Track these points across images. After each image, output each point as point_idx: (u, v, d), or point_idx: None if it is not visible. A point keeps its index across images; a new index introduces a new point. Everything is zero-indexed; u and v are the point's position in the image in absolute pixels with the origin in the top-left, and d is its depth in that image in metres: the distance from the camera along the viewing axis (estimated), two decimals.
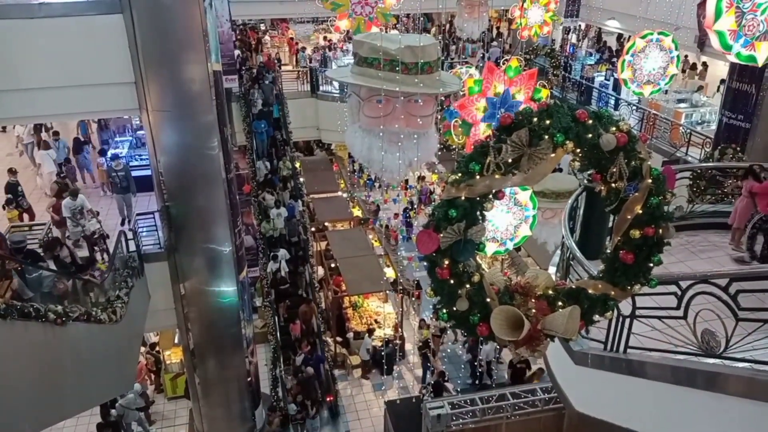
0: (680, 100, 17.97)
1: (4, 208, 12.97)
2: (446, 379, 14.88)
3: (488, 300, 4.31)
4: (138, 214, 12.64)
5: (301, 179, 20.51)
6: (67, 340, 7.54)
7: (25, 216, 13.14)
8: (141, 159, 15.99)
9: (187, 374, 14.48)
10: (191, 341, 13.25)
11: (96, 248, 12.06)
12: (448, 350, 16.41)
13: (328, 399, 14.81)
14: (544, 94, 8.32)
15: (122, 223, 13.16)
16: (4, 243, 8.19)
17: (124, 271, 10.94)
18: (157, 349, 16.33)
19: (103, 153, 15.86)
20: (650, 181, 4.14)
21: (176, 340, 15.35)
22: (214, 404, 13.93)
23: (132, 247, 11.80)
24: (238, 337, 13.39)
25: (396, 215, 22.66)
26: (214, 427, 14.14)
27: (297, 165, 20.62)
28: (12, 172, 13.47)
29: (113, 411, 13.84)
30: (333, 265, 18.84)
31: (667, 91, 14.66)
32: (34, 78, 10.19)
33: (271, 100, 20.49)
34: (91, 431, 13.68)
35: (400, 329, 17.26)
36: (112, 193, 13.78)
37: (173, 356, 15.82)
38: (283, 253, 17.21)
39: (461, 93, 8.65)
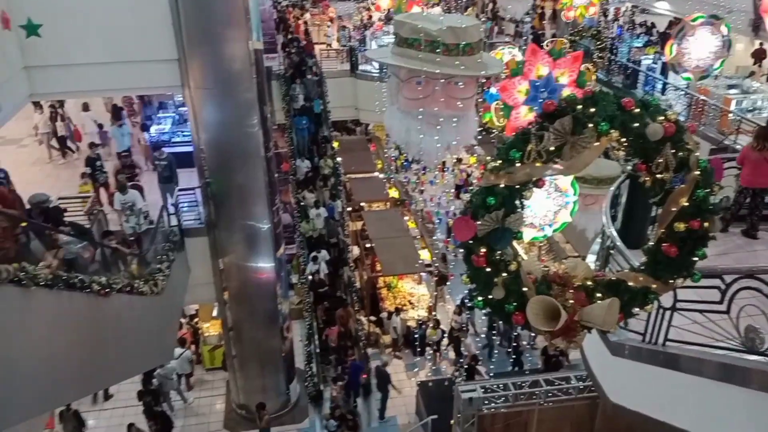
0: (730, 86, 17.27)
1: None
2: (478, 362, 14.89)
3: (525, 289, 4.26)
4: (179, 190, 12.90)
5: (340, 168, 19.78)
6: (110, 310, 7.81)
7: (102, 191, 13.27)
8: (183, 135, 16.25)
9: (224, 347, 14.86)
10: (229, 315, 13.58)
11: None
12: (482, 335, 16.36)
13: (362, 377, 14.99)
14: (589, 76, 8.10)
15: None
16: (18, 202, 7.80)
17: (165, 244, 11.21)
18: (196, 320, 16.73)
19: (145, 128, 16.15)
20: (697, 172, 4.01)
21: (214, 314, 15.71)
22: (250, 377, 14.29)
23: (173, 221, 12.08)
24: (274, 313, 13.66)
25: (432, 198, 22.56)
26: (249, 399, 14.50)
27: (338, 162, 19.80)
28: (93, 145, 13.92)
29: (154, 380, 14.32)
30: (368, 246, 18.92)
31: (717, 76, 14.10)
32: (81, 54, 10.45)
33: (313, 94, 19.68)
34: (132, 398, 14.19)
35: (433, 311, 17.29)
36: (153, 168, 13.88)
37: (211, 329, 16.21)
38: (323, 254, 16.84)
39: (503, 75, 8.50)
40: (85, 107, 15.87)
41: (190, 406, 15.05)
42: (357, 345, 15.56)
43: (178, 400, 15.02)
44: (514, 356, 15.74)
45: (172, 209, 12.20)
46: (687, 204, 4.08)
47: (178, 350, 14.33)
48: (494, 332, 16.20)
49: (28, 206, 8.06)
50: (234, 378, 14.52)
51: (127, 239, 10.94)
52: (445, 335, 16.30)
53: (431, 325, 16.26)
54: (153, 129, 17.06)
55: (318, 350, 15.56)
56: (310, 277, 16.43)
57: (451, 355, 16.20)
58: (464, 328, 16.23)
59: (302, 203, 17.82)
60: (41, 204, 8.18)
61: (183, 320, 16.22)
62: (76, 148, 15.80)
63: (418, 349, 16.00)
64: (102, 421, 14.39)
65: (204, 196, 12.34)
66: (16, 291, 5.11)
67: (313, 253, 16.71)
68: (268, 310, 13.58)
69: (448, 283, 18.33)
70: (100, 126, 16.07)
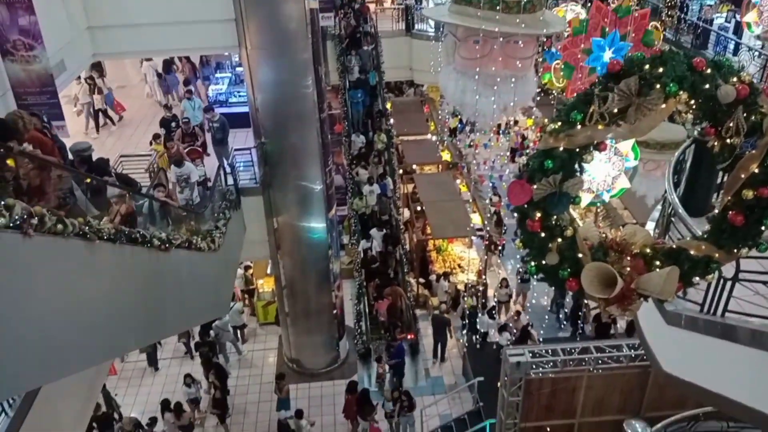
0: None
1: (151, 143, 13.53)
2: (530, 325, 14.86)
3: (580, 255, 4.19)
4: (236, 149, 13.15)
5: (394, 144, 19.32)
6: (169, 265, 8.12)
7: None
8: (239, 96, 16.47)
9: (277, 303, 15.29)
10: (282, 273, 13.92)
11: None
12: (533, 301, 16.23)
13: (409, 337, 15.20)
14: (656, 36, 7.71)
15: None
16: (60, 150, 7.19)
17: (222, 203, 11.50)
18: (250, 272, 17.22)
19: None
20: None
21: (268, 271, 16.14)
22: (302, 333, 14.72)
23: (230, 181, 12.35)
24: (326, 272, 13.93)
25: (485, 161, 22.22)
26: (301, 354, 14.99)
27: (393, 138, 19.37)
28: (167, 107, 14.37)
29: (211, 332, 14.93)
30: (419, 209, 18.91)
31: None
32: (141, 14, 10.68)
33: (369, 66, 18.85)
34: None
35: (483, 275, 17.25)
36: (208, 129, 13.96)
37: (265, 285, 16.70)
38: (376, 232, 16.80)
39: (565, 34, 8.19)
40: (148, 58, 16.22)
41: (244, 358, 15.66)
42: (405, 323, 15.53)
43: (233, 352, 15.64)
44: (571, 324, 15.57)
45: (228, 169, 12.46)
46: (757, 171, 3.88)
47: None
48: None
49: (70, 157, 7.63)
50: (286, 333, 14.99)
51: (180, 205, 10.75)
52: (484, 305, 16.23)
53: (467, 294, 16.30)
54: (210, 89, 17.36)
55: (368, 323, 15.75)
56: (361, 255, 16.43)
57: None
58: (509, 300, 16.22)
59: (356, 179, 17.59)
60: (82, 153, 7.69)
61: (240, 272, 16.72)
62: (118, 118, 15.90)
63: (467, 312, 16.05)
64: (161, 370, 15.21)
65: (259, 157, 12.54)
66: (82, 244, 5.36)
67: (368, 232, 16.63)
68: (320, 269, 13.86)
69: (499, 248, 18.15)
70: (160, 75, 16.45)
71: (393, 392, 12.98)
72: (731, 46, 17.56)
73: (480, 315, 15.49)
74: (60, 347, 5.23)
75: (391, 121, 19.16)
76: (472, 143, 22.81)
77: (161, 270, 7.89)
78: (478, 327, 15.28)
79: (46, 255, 4.82)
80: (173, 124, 13.56)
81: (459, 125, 23.61)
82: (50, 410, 7.18)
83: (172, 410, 12.71)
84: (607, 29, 7.59)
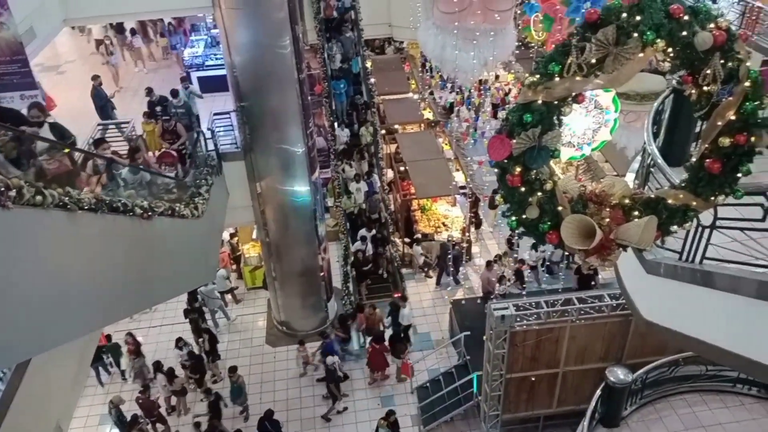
0: None
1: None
2: (524, 264, 15.44)
3: (560, 208, 4.23)
4: (215, 114, 12.95)
5: (381, 137, 18.17)
6: (153, 233, 8.08)
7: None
8: (216, 58, 16.16)
9: (264, 267, 15.35)
10: (268, 237, 13.93)
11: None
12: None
13: (395, 295, 15.39)
14: None
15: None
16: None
17: (203, 168, 11.39)
18: (236, 239, 17.23)
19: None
20: (747, 84, 3.82)
21: (254, 236, 16.14)
22: (290, 295, 14.83)
23: (210, 146, 12.21)
24: (311, 235, 13.97)
25: (467, 120, 22.13)
26: (290, 316, 15.14)
27: (378, 130, 17.86)
28: (150, 91, 13.76)
29: (198, 297, 14.98)
30: (402, 168, 18.88)
31: None
32: None
33: (351, 53, 17.50)
34: (179, 315, 14.93)
35: (467, 233, 17.40)
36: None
37: (251, 250, 16.72)
38: (366, 233, 16.01)
39: None
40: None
41: (233, 323, 15.79)
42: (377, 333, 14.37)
43: (222, 317, 15.75)
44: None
45: (208, 134, 12.29)
46: (734, 118, 3.92)
47: None
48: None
49: None
50: (275, 297, 15.10)
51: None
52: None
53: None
54: (186, 53, 17.00)
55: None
56: (352, 257, 15.84)
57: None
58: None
59: (342, 176, 16.63)
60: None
61: (226, 235, 16.78)
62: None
63: (451, 269, 16.27)
64: (151, 338, 15.26)
65: (239, 120, 12.37)
66: (63, 215, 5.31)
67: (361, 233, 15.95)
68: (305, 232, 13.88)
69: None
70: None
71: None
72: None
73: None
74: (47, 318, 5.24)
75: (372, 80, 18.80)
76: (454, 100, 22.61)
77: (145, 238, 7.86)
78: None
79: (27, 227, 4.78)
80: (158, 109, 12.60)
81: (441, 82, 23.39)
82: (42, 381, 7.23)
83: (164, 372, 12.84)
84: None
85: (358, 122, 17.53)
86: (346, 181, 16.62)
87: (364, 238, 15.88)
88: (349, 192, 16.46)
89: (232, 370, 12.92)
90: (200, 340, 14.23)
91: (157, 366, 13.08)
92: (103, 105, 14.07)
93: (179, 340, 13.71)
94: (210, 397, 12.71)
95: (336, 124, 17.14)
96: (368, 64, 18.90)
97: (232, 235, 17.28)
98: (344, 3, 17.76)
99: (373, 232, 16.30)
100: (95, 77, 14.36)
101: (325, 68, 17.28)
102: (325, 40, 16.86)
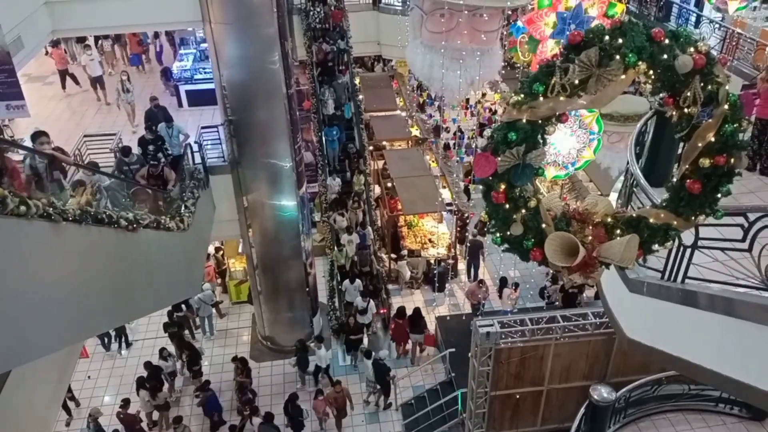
0: None
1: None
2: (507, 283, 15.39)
3: (544, 225, 4.28)
4: (203, 128, 12.96)
5: (371, 186, 17.73)
6: (138, 245, 8.03)
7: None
8: (205, 72, 16.19)
9: (249, 281, 15.26)
10: (254, 251, 13.88)
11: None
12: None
13: (382, 311, 15.35)
14: (618, 9, 7.80)
15: None
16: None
17: (190, 182, 11.36)
18: (222, 253, 17.12)
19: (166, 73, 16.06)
20: (726, 107, 3.91)
21: (240, 249, 16.07)
22: (275, 310, 14.75)
23: (197, 159, 12.20)
24: (297, 249, 13.94)
25: (455, 136, 22.29)
26: (274, 331, 15.03)
27: (369, 178, 17.52)
28: (153, 99, 13.55)
29: (192, 302, 14.86)
30: (390, 185, 18.94)
31: (756, 7, 13.43)
32: None
33: (344, 99, 17.40)
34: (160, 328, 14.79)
35: (453, 249, 17.45)
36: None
37: (237, 264, 16.63)
38: (358, 284, 15.06)
39: (530, 7, 8.22)
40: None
41: (217, 338, 15.63)
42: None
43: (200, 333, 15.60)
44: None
45: (196, 147, 12.28)
46: (713, 139, 4.00)
47: None
48: None
49: None
50: (259, 311, 15.00)
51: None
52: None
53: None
54: (175, 66, 17.02)
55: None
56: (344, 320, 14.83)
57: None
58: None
59: (334, 227, 16.02)
60: None
61: (211, 249, 16.68)
62: None
63: (437, 285, 16.28)
64: (134, 351, 15.09)
65: (227, 134, 12.39)
66: (47, 225, 5.27)
67: (364, 302, 14.60)
68: (291, 247, 13.85)
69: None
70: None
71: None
72: (693, 18, 17.83)
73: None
74: (28, 329, 5.17)
75: (361, 96, 18.95)
76: (441, 118, 22.81)
77: (130, 250, 7.81)
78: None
79: (9, 237, 4.74)
80: (151, 147, 11.33)
81: (428, 100, 23.59)
82: (21, 394, 7.11)
83: (147, 388, 12.64)
84: (571, 2, 7.64)
85: (350, 170, 17.34)
86: (338, 232, 15.85)
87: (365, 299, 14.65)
88: (341, 244, 15.61)
89: (177, 420, 12.25)
90: (183, 355, 14.07)
91: (140, 382, 12.88)
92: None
93: (163, 350, 13.58)
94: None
95: (327, 172, 16.85)
96: (356, 81, 19.02)
97: (217, 249, 17.19)
98: (338, 45, 17.82)
99: (360, 285, 15.11)
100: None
101: (318, 114, 17.12)
102: (318, 85, 16.70)
